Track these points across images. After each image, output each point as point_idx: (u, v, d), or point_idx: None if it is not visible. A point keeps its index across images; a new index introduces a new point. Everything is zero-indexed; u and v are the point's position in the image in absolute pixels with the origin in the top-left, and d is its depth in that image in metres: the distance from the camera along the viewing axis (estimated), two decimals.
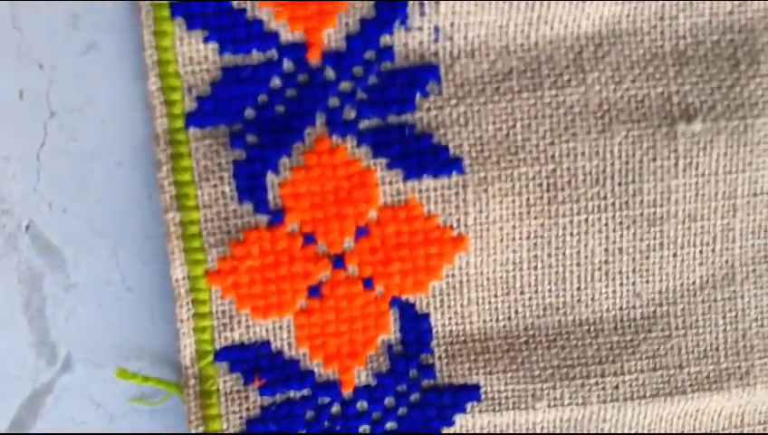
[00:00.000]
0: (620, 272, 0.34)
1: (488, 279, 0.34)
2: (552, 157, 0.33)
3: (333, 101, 0.31)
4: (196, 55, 0.31)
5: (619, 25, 0.33)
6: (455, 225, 0.33)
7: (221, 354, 0.32)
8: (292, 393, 0.32)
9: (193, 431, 0.32)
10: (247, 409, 0.32)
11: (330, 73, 0.31)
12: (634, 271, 0.34)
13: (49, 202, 0.32)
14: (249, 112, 0.31)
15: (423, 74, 0.32)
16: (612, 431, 0.34)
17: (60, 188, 0.32)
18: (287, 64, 0.31)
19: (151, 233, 0.32)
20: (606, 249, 0.34)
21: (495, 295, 0.34)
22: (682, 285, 0.34)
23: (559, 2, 0.31)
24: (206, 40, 0.31)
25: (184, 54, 0.31)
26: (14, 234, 0.32)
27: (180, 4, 0.30)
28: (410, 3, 0.31)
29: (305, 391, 0.32)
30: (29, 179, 0.32)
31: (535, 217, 0.33)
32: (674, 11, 0.33)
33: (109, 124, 0.31)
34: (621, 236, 0.34)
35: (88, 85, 0.31)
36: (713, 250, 0.34)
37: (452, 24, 0.32)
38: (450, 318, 0.34)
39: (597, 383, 0.34)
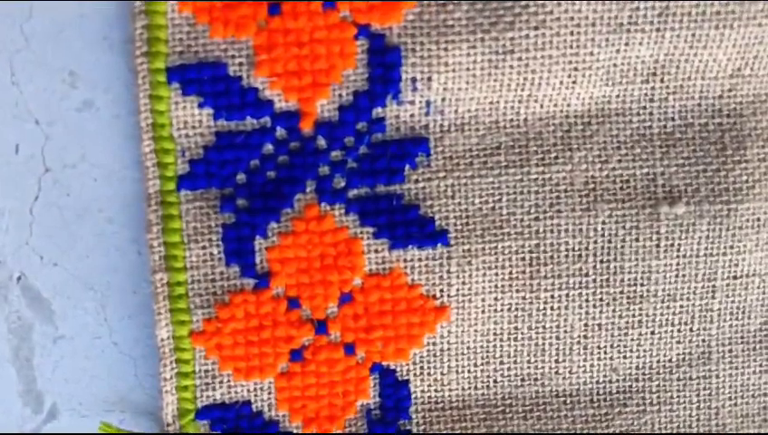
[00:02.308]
0: (599, 347, 0.34)
1: (469, 348, 0.34)
2: (536, 232, 0.33)
3: (324, 170, 0.32)
4: (191, 120, 0.31)
5: (608, 105, 0.33)
6: (438, 295, 0.33)
7: (202, 413, 0.33)
8: None
9: None
10: None
11: (321, 142, 0.32)
12: (612, 346, 0.34)
13: (40, 255, 0.32)
14: (240, 177, 0.32)
15: (413, 147, 0.32)
16: None
17: (51, 242, 0.32)
18: (280, 132, 0.32)
19: (138, 289, 0.32)
20: (585, 324, 0.34)
21: (475, 365, 0.34)
22: (658, 361, 0.35)
23: (550, 82, 0.33)
24: (201, 105, 0.31)
25: (179, 118, 0.31)
26: (6, 285, 0.32)
27: (177, 70, 0.30)
28: (403, 78, 0.31)
29: None
30: (22, 233, 0.32)
31: (517, 290, 0.34)
32: (664, 93, 0.33)
33: (101, 182, 0.32)
34: (601, 312, 0.34)
35: (83, 143, 0.32)
36: (690, 329, 0.35)
37: (443, 100, 0.32)
38: (430, 385, 0.34)
39: None
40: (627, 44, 0.32)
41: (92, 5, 0.31)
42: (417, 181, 0.32)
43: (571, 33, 0.31)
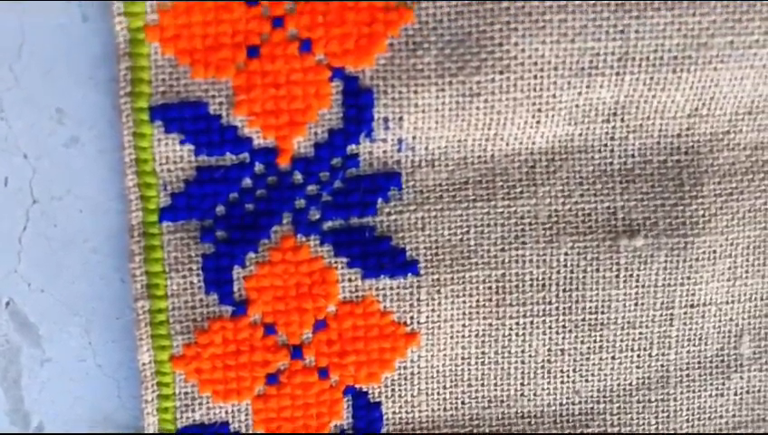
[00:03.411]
0: (562, 371, 0.36)
1: (438, 372, 0.36)
2: (502, 262, 0.35)
3: (300, 203, 0.33)
4: (173, 155, 0.33)
5: (571, 143, 0.35)
6: (408, 322, 0.35)
7: (182, 433, 0.34)
8: None
9: None
10: None
11: (298, 177, 0.33)
12: (574, 370, 0.36)
13: (28, 282, 0.34)
14: (220, 209, 0.33)
15: (386, 181, 0.34)
16: None
17: (39, 270, 0.34)
18: (258, 167, 0.33)
19: (122, 315, 0.34)
20: (549, 349, 0.36)
21: (444, 387, 0.36)
22: (619, 385, 0.36)
23: (515, 122, 0.34)
24: (182, 142, 0.33)
25: (161, 154, 0.33)
26: None
27: (159, 109, 0.32)
28: (376, 118, 0.33)
29: None
30: (11, 261, 0.33)
31: (484, 317, 0.35)
32: (624, 132, 0.35)
33: (87, 213, 0.33)
34: (564, 338, 0.36)
35: (69, 176, 0.33)
36: (649, 355, 0.36)
37: (414, 137, 0.33)
38: (401, 407, 0.36)
39: None
40: (588, 87, 0.33)
41: (79, 47, 0.32)
42: (389, 214, 0.34)
43: (535, 77, 0.32)
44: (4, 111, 0.33)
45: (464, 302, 0.35)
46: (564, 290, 0.35)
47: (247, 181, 0.33)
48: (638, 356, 0.36)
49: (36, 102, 0.33)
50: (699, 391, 0.36)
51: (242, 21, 0.31)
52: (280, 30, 0.32)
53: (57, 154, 0.33)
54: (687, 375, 0.36)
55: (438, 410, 0.36)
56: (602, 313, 0.35)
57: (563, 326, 0.35)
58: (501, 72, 0.32)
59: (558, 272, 0.35)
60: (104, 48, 0.32)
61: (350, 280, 0.34)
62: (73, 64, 0.32)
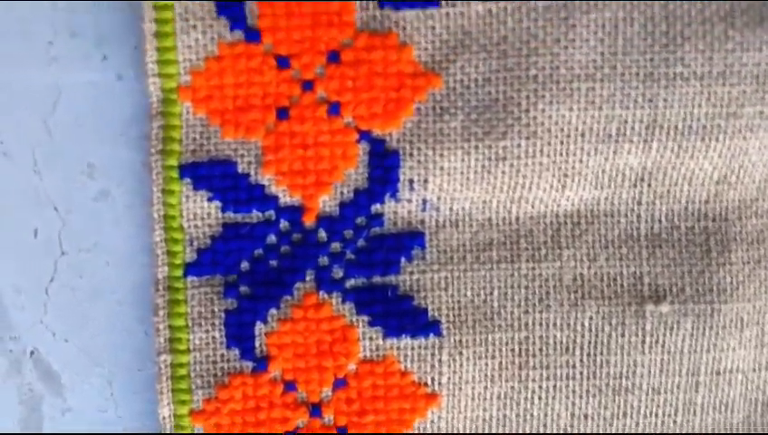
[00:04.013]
0: None
1: (459, 434, 0.36)
2: (526, 325, 0.35)
3: (323, 261, 0.33)
4: (200, 211, 0.33)
5: (597, 207, 0.35)
6: (429, 383, 0.35)
7: None
8: None
9: None
10: None
11: (322, 235, 0.33)
12: None
13: (53, 332, 0.34)
14: (244, 265, 0.33)
15: (409, 240, 0.34)
16: None
17: (64, 321, 0.34)
18: (283, 224, 0.33)
19: (144, 367, 0.34)
20: (572, 414, 0.35)
21: None
22: None
23: (540, 186, 0.34)
24: (210, 199, 0.33)
25: (189, 210, 0.33)
26: (20, 359, 0.34)
27: (189, 167, 0.32)
28: (401, 179, 0.33)
29: None
30: (37, 311, 0.34)
31: (506, 380, 0.35)
32: (652, 197, 0.35)
33: (113, 266, 0.34)
34: (587, 402, 0.35)
35: (97, 229, 0.34)
36: (674, 422, 0.36)
37: (439, 198, 0.34)
38: None
39: None
40: (615, 153, 0.33)
41: (113, 104, 0.33)
42: (412, 273, 0.34)
43: (561, 143, 0.33)
44: (36, 164, 0.34)
45: (486, 364, 0.35)
46: (588, 354, 0.35)
47: (272, 238, 0.33)
48: (663, 423, 0.36)
49: (68, 156, 0.33)
50: None
51: (272, 83, 0.32)
52: (309, 93, 0.32)
53: (87, 207, 0.33)
54: None
55: None
56: (627, 378, 0.35)
57: (587, 391, 0.35)
58: (527, 138, 0.32)
59: (582, 336, 0.35)
60: (136, 106, 0.33)
61: (371, 339, 0.34)
62: (106, 121, 0.33)
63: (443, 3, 0.32)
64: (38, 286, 0.34)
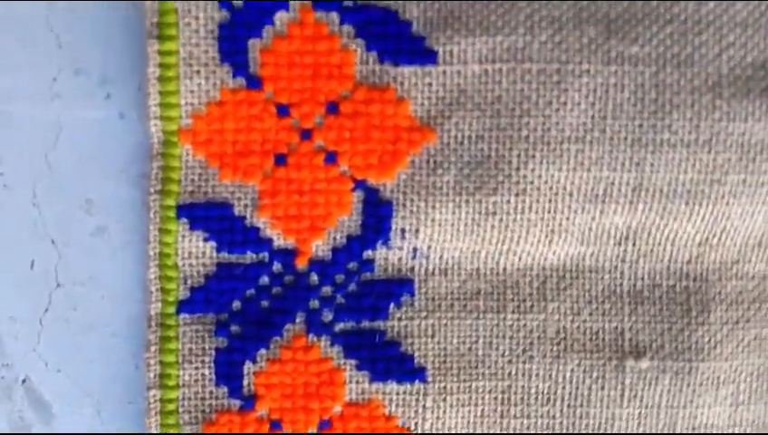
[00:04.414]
0: None
1: None
2: (509, 374, 0.35)
3: (314, 304, 0.34)
4: (195, 251, 0.34)
5: (582, 262, 0.35)
6: (413, 427, 0.35)
7: None
8: None
9: None
10: None
11: (314, 278, 0.34)
12: None
13: (45, 362, 0.35)
14: (236, 305, 0.34)
15: (399, 287, 0.35)
16: None
17: (56, 351, 0.35)
18: (276, 266, 0.34)
19: (134, 400, 0.34)
20: None
21: None
22: None
23: (528, 240, 0.35)
24: (205, 239, 0.34)
25: (184, 249, 0.34)
26: (11, 386, 0.35)
27: (186, 208, 0.33)
28: (393, 228, 0.34)
29: None
30: (30, 340, 0.35)
31: (488, 428, 0.36)
32: (635, 255, 0.36)
33: (108, 300, 0.34)
34: None
35: (93, 263, 0.34)
36: None
37: (429, 247, 0.34)
38: None
39: None
40: (601, 212, 0.34)
41: (114, 142, 0.34)
42: (400, 319, 0.35)
43: (550, 201, 0.33)
44: (36, 198, 0.34)
45: (469, 411, 0.36)
46: (569, 406, 0.36)
47: (265, 279, 0.34)
48: None
49: (68, 192, 0.34)
50: None
51: (272, 130, 0.33)
52: (308, 141, 0.33)
53: (84, 242, 0.34)
54: None
55: None
56: (606, 430, 0.36)
57: None
58: (517, 195, 0.33)
59: (563, 387, 0.35)
60: (138, 145, 0.33)
61: (357, 382, 0.35)
62: (106, 158, 0.34)
63: (440, 61, 0.33)
64: (33, 316, 0.34)
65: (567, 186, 0.33)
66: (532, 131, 0.32)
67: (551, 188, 0.33)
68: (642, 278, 0.36)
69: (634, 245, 0.35)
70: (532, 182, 0.33)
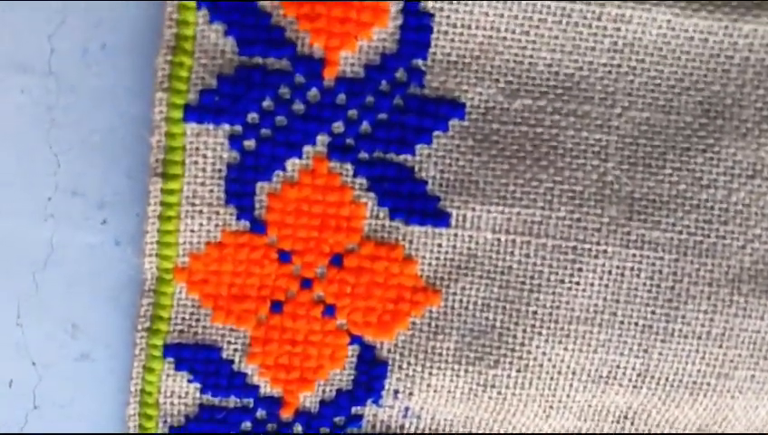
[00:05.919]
0: None
1: None
2: None
3: None
4: (178, 390, 0.32)
5: None
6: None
7: None
8: None
9: None
10: None
11: (298, 429, 0.32)
12: None
13: None
14: None
15: None
16: None
17: None
18: (260, 413, 0.32)
19: None
20: None
21: None
22: None
23: (525, 414, 0.32)
24: (190, 381, 0.32)
25: (167, 388, 0.32)
26: None
27: (174, 347, 0.31)
28: (386, 388, 0.32)
29: None
30: None
31: None
32: (633, 432, 0.35)
33: (85, 423, 0.33)
34: None
35: (74, 389, 0.33)
36: None
37: (422, 408, 0.33)
38: None
39: None
40: (603, 392, 0.33)
41: (106, 269, 0.32)
42: None
43: (551, 378, 0.32)
44: (20, 317, 0.33)
45: None
46: None
47: (247, 425, 0.33)
48: None
49: (53, 314, 0.32)
50: None
51: (271, 276, 0.32)
52: (307, 291, 0.32)
53: (66, 366, 0.33)
54: None
55: None
56: None
57: None
58: (518, 370, 0.32)
59: None
60: (130, 275, 0.32)
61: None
62: (96, 284, 0.32)
63: (453, 224, 0.32)
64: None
65: (571, 365, 0.32)
66: (540, 307, 0.31)
67: (554, 366, 0.32)
68: None
69: (632, 423, 0.34)
70: (535, 359, 0.32)
